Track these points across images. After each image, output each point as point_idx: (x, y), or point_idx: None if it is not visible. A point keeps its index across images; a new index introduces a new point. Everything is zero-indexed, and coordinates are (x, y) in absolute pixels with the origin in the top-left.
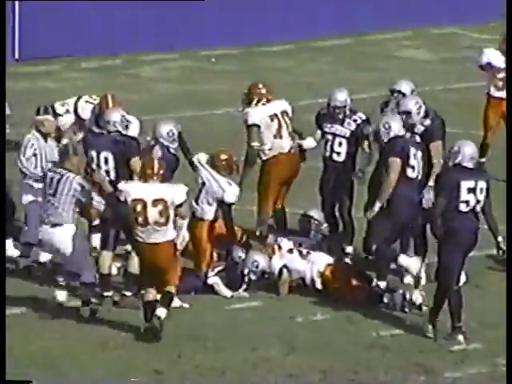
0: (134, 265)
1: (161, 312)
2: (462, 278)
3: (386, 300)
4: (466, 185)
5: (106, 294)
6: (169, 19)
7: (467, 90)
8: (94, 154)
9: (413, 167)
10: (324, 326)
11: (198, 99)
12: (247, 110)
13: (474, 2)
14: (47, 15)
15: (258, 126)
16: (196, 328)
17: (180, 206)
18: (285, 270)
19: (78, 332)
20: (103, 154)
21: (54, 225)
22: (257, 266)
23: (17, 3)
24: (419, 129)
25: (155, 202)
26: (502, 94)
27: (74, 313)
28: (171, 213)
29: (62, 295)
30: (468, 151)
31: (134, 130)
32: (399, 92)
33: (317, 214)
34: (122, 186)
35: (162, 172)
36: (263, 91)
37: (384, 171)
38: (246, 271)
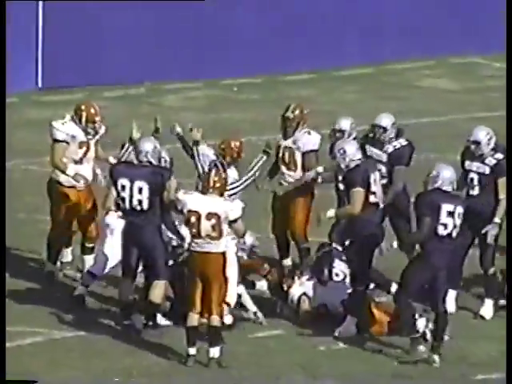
0: (156, 294)
1: (214, 352)
2: (489, 312)
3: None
4: (446, 208)
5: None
6: (193, 48)
7: (489, 119)
8: (126, 182)
9: (374, 193)
10: (346, 355)
11: (221, 128)
12: (308, 137)
13: (495, 31)
14: (70, 44)
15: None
16: (220, 356)
17: (234, 221)
18: (304, 298)
19: (103, 360)
20: (137, 184)
21: None
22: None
23: (40, 34)
24: (491, 161)
25: (209, 216)
26: None
27: (99, 343)
28: (224, 227)
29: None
30: (447, 175)
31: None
32: (379, 126)
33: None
34: (180, 195)
35: (218, 185)
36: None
37: (346, 199)
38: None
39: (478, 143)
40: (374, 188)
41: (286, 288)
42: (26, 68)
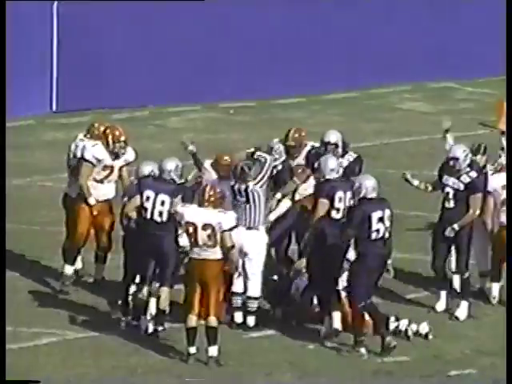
0: (162, 301)
1: (213, 351)
2: (464, 313)
3: (391, 328)
4: (375, 215)
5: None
6: (193, 73)
7: (462, 139)
8: (151, 194)
9: (337, 209)
10: (333, 354)
11: (218, 147)
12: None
13: (467, 59)
14: (81, 71)
15: None
16: (218, 355)
17: (230, 230)
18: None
19: (111, 359)
20: (161, 197)
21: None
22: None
23: (55, 60)
24: (465, 179)
25: (204, 226)
26: None
27: (108, 342)
28: (218, 237)
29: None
30: (369, 184)
31: (131, 156)
32: (329, 143)
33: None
34: (178, 208)
35: (213, 199)
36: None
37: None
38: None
39: (456, 159)
40: (338, 205)
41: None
42: (42, 93)
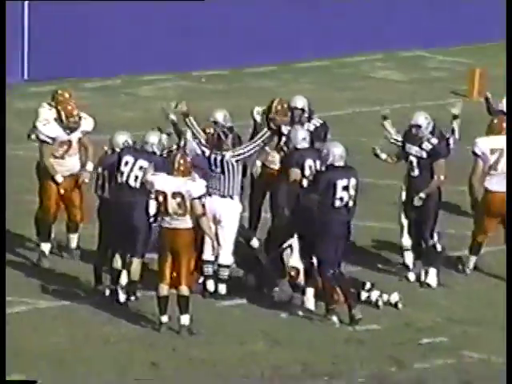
0: (134, 272)
1: (185, 320)
2: (433, 280)
3: (362, 298)
4: (341, 183)
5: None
6: (165, 42)
7: (433, 108)
8: (130, 159)
9: (308, 178)
10: (305, 322)
11: (191, 115)
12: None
13: (439, 28)
14: (53, 40)
15: None
16: (190, 324)
17: (199, 198)
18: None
19: (83, 329)
20: (140, 162)
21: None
22: None
23: (26, 29)
24: (427, 146)
25: (174, 195)
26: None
27: (80, 312)
28: (188, 205)
29: (45, 246)
30: (337, 151)
31: (88, 126)
32: (295, 108)
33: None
34: (148, 176)
35: (182, 168)
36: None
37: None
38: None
39: (419, 126)
40: (308, 173)
41: None
42: (14, 62)
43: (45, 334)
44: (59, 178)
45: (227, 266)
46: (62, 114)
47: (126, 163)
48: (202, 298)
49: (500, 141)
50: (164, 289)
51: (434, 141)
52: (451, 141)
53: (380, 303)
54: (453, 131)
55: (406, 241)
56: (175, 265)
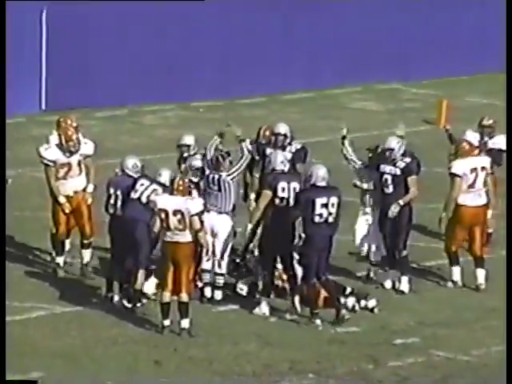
0: (138, 283)
1: (185, 323)
2: (406, 287)
3: (341, 301)
4: (319, 201)
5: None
6: (167, 75)
7: (407, 134)
8: (146, 182)
9: (281, 198)
10: (292, 325)
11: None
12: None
13: (413, 63)
14: (68, 75)
15: None
16: (190, 327)
17: (196, 215)
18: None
19: (94, 331)
20: (153, 186)
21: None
22: None
23: (44, 63)
24: (400, 164)
25: (175, 212)
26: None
27: (91, 316)
28: (188, 221)
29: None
30: (320, 173)
31: (88, 150)
32: (279, 134)
33: None
34: (152, 197)
35: (181, 188)
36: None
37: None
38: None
39: (391, 149)
40: (281, 194)
41: None
42: (32, 94)
43: (60, 335)
44: (61, 199)
45: (222, 274)
46: (62, 138)
47: (142, 184)
48: (200, 303)
49: (476, 161)
50: (166, 296)
51: (407, 159)
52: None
53: (356, 308)
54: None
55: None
56: (176, 274)
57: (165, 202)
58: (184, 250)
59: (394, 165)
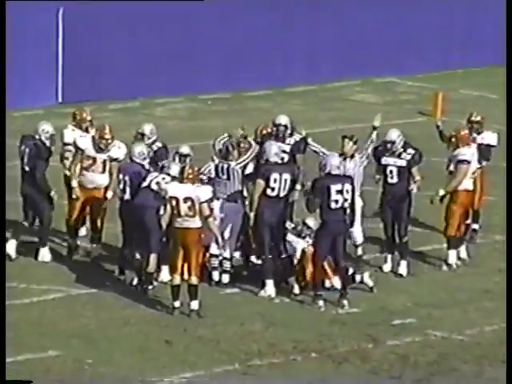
0: (151, 266)
1: (194, 305)
2: (404, 270)
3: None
4: (334, 188)
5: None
6: (177, 71)
7: (404, 125)
8: (121, 176)
9: (272, 188)
10: (296, 306)
11: (199, 133)
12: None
13: (408, 57)
14: (83, 69)
15: None
16: (199, 308)
17: (205, 202)
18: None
19: (108, 312)
20: (162, 175)
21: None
22: None
23: (60, 59)
24: (406, 156)
25: (185, 200)
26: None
27: (106, 298)
28: (197, 208)
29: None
30: (334, 162)
31: (118, 153)
32: (280, 125)
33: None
34: (163, 185)
35: (191, 176)
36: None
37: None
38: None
39: (393, 142)
40: (272, 184)
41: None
42: (50, 87)
43: (76, 316)
44: (74, 183)
45: (230, 259)
46: (97, 134)
47: (151, 175)
48: (209, 286)
49: (473, 150)
50: (177, 279)
51: (412, 151)
52: (369, 147)
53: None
54: (372, 140)
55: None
56: (186, 258)
57: (175, 189)
58: (194, 235)
59: (399, 156)
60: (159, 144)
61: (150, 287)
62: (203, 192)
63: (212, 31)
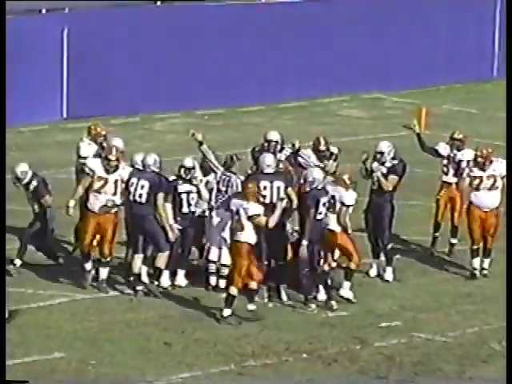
0: (161, 262)
1: (252, 307)
2: (390, 276)
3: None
4: (322, 200)
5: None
6: (175, 87)
7: (389, 139)
8: (135, 180)
9: (264, 196)
10: (287, 309)
11: (195, 147)
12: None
13: (394, 74)
14: (87, 86)
15: None
16: (195, 311)
17: (253, 217)
18: None
19: (110, 315)
20: (141, 182)
21: None
22: None
23: (65, 75)
24: (388, 164)
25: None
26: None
27: (108, 302)
28: (245, 223)
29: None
30: (318, 176)
31: (126, 173)
32: (271, 140)
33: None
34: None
35: (249, 191)
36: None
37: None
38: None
39: (382, 153)
40: (264, 192)
41: None
42: (55, 103)
43: (80, 320)
44: (71, 203)
45: (227, 266)
46: (103, 155)
47: (132, 184)
48: (206, 290)
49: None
50: (234, 290)
51: (395, 161)
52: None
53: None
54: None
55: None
56: (244, 270)
57: (233, 203)
58: (243, 248)
59: (383, 164)
60: (287, 151)
61: (156, 283)
62: (251, 207)
63: (209, 51)
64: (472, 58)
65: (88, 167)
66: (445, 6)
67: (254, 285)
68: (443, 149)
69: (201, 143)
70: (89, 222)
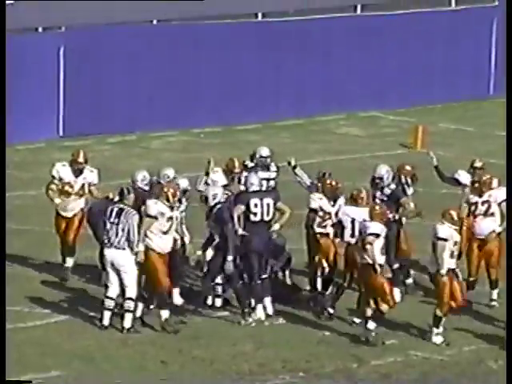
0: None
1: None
2: (398, 296)
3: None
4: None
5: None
6: (171, 106)
7: (385, 157)
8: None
9: (254, 213)
10: (284, 328)
11: (192, 164)
12: None
13: (390, 93)
14: (83, 105)
15: None
16: (192, 331)
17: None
18: None
19: (107, 334)
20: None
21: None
22: None
23: (62, 94)
24: (387, 191)
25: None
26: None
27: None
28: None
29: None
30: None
31: (92, 177)
32: (261, 156)
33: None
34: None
35: (378, 213)
36: None
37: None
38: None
39: (381, 178)
40: (254, 210)
41: None
42: (51, 122)
43: (77, 338)
44: (57, 200)
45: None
46: (73, 162)
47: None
48: (202, 309)
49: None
50: (386, 308)
51: (393, 186)
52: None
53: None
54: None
55: None
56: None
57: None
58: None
59: (382, 191)
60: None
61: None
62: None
63: (205, 69)
64: (468, 75)
65: (58, 174)
66: (442, 24)
67: (385, 308)
68: (465, 178)
69: (294, 167)
70: (59, 222)
